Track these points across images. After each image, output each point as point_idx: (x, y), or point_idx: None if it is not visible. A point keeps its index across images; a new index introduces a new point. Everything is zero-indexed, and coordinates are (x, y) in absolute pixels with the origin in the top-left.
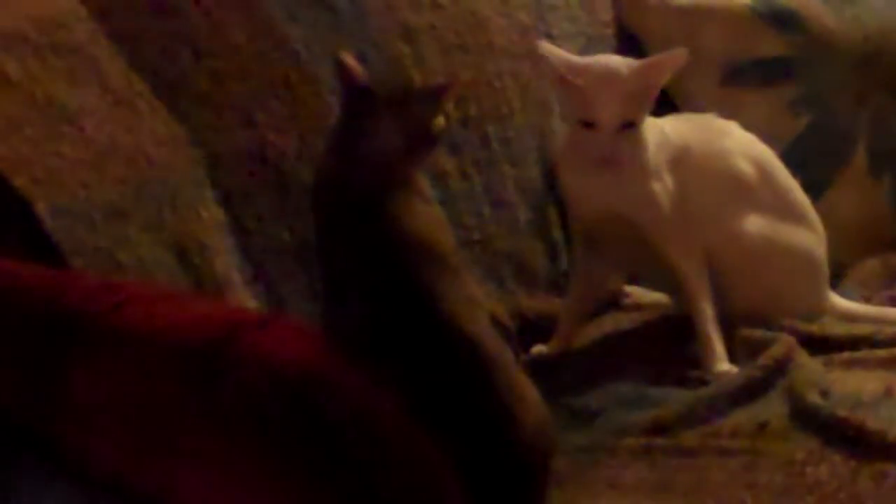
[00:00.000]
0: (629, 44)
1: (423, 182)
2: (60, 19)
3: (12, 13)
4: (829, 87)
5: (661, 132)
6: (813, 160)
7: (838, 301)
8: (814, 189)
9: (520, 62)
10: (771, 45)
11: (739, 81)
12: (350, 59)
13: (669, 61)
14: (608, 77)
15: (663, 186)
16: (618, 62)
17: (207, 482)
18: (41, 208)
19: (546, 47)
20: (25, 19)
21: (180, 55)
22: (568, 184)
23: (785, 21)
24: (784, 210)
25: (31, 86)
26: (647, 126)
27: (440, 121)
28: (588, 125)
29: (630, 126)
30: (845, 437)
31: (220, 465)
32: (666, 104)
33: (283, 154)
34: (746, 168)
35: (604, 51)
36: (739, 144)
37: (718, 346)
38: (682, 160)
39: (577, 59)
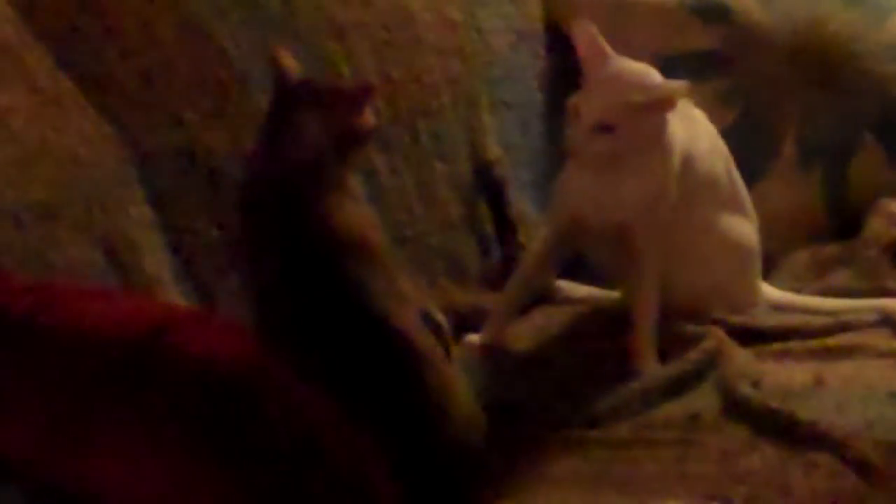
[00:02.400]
0: (559, 39)
1: (353, 180)
2: None
3: None
4: (759, 79)
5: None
6: (743, 153)
7: (770, 291)
8: (745, 181)
9: (450, 58)
10: (701, 39)
11: (670, 75)
12: (286, 57)
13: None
14: (608, 76)
15: (668, 197)
16: (635, 70)
17: (134, 479)
18: None
19: (583, 24)
20: None
21: (108, 54)
22: (573, 186)
23: (714, 14)
24: (735, 203)
25: None
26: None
27: (370, 119)
28: (575, 113)
29: (608, 130)
30: (776, 427)
31: (148, 462)
32: None
33: (213, 152)
34: (721, 169)
35: (532, 46)
36: (712, 141)
37: (651, 346)
38: (686, 170)
39: (602, 50)
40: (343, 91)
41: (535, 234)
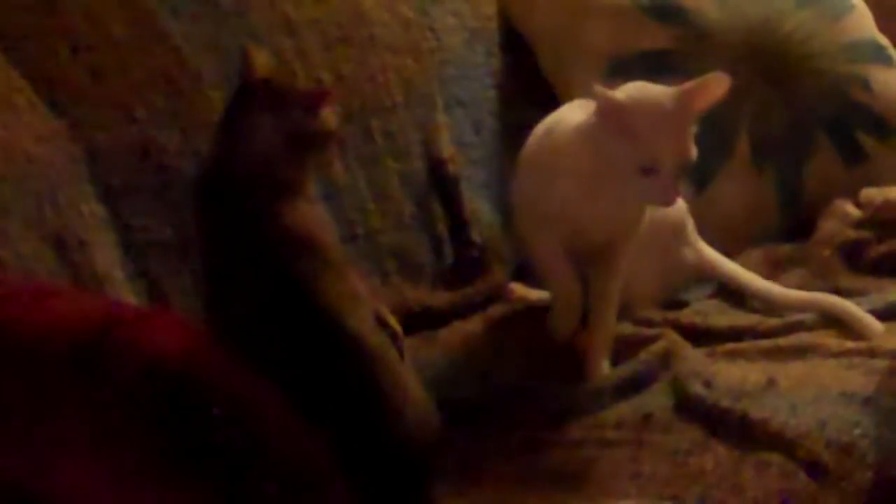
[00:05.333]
0: (512, 38)
1: (307, 180)
2: None
3: None
4: None
5: None
6: (698, 152)
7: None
8: (699, 180)
9: (403, 56)
10: (655, 38)
11: (624, 74)
12: (259, 55)
13: (713, 85)
14: (658, 118)
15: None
16: (659, 94)
17: (84, 476)
18: None
19: (599, 90)
20: None
21: (58, 50)
22: (580, 208)
23: (668, 14)
24: None
25: None
26: None
27: (329, 123)
28: (647, 171)
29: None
30: (729, 427)
31: (98, 459)
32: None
33: (165, 149)
34: None
35: (486, 45)
36: None
37: (607, 347)
38: None
39: (626, 98)
40: (298, 93)
41: (489, 232)
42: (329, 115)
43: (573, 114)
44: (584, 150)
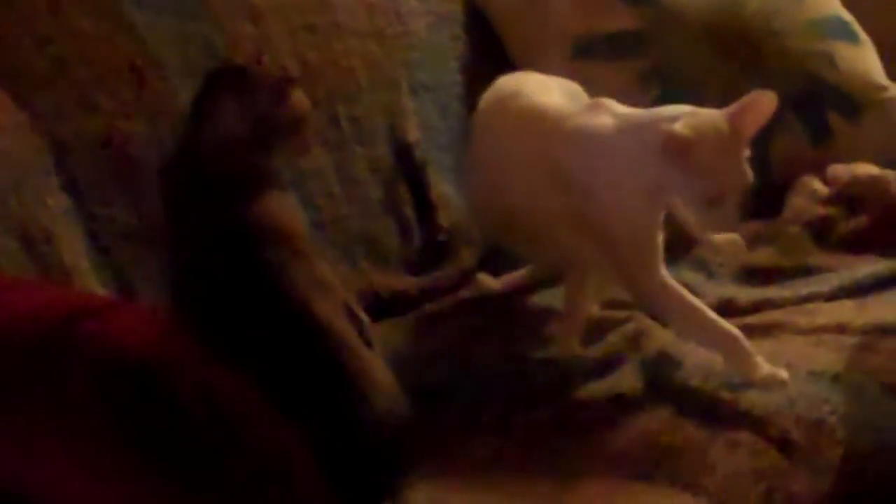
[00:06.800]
0: (477, 21)
1: (275, 166)
2: None
3: None
4: (679, 58)
5: None
6: None
7: None
8: None
9: (368, 41)
10: (620, 19)
11: (590, 55)
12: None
13: (760, 103)
14: (716, 148)
15: None
16: (717, 122)
17: (56, 471)
18: None
19: (666, 127)
20: None
21: (22, 41)
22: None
23: None
24: None
25: None
26: None
27: (298, 108)
28: (712, 201)
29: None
30: (698, 406)
31: (68, 453)
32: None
33: (130, 139)
34: None
35: (451, 28)
36: None
37: (578, 330)
38: None
39: (693, 134)
40: (265, 78)
41: (457, 216)
42: (301, 101)
43: (550, 97)
44: (635, 178)
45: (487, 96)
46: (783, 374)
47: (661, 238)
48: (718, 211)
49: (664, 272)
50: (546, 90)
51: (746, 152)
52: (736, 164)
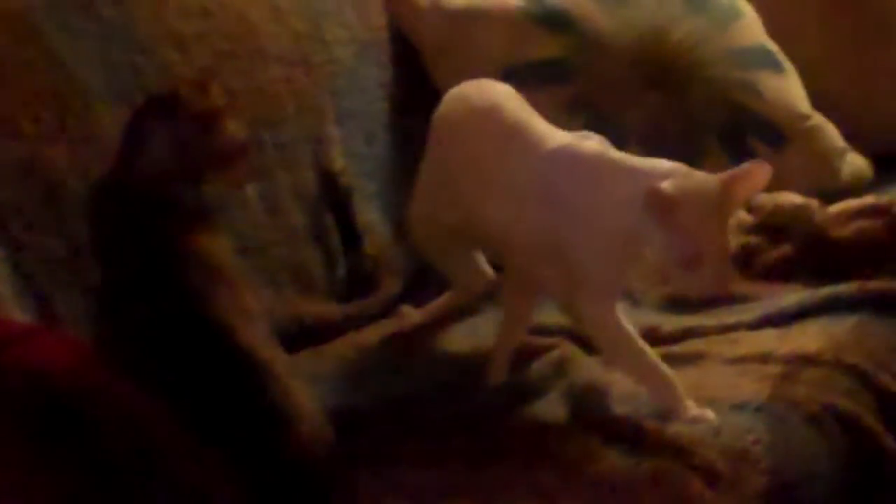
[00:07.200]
0: (403, 49)
1: (204, 194)
2: None
3: None
4: (604, 87)
5: None
6: None
7: None
8: None
9: (293, 68)
10: (545, 47)
11: (516, 83)
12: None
13: (755, 174)
14: (709, 209)
15: None
16: (706, 184)
17: None
18: None
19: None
20: None
21: None
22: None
23: (558, 22)
24: None
25: None
26: None
27: (235, 136)
28: (689, 263)
29: None
30: (623, 435)
31: None
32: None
33: (53, 164)
34: None
35: (377, 56)
36: None
37: (507, 358)
38: None
39: (677, 193)
40: (194, 107)
41: (382, 244)
42: (235, 131)
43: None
44: (615, 220)
45: (454, 105)
46: (710, 414)
47: (625, 280)
48: (697, 274)
49: (618, 312)
50: (526, 107)
51: (736, 218)
52: (718, 229)
